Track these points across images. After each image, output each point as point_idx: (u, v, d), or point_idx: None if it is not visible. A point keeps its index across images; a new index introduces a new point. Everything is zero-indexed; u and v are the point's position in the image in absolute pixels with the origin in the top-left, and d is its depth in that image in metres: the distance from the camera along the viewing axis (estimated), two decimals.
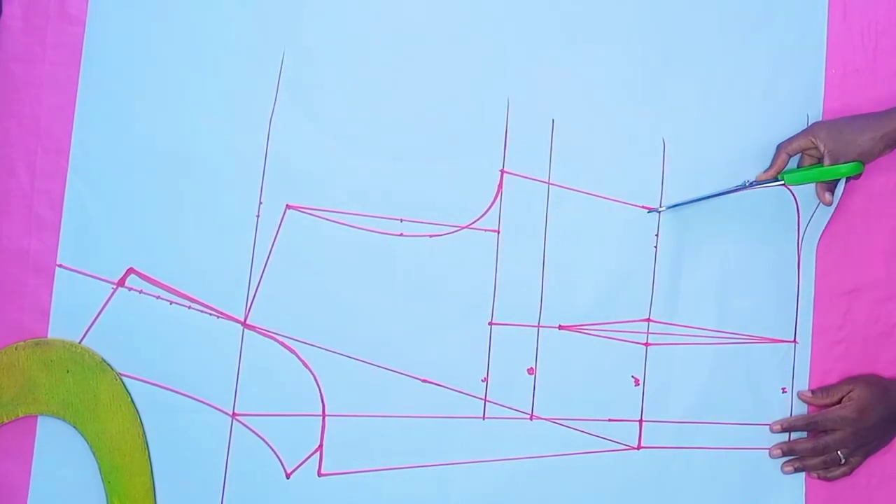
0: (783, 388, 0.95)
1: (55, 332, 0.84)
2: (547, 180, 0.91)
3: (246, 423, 0.86)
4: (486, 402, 0.89)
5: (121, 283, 0.84)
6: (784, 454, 0.93)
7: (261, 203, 0.86)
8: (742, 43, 0.95)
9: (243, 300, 0.86)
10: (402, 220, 0.89)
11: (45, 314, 0.84)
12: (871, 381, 0.93)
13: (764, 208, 0.95)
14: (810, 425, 0.93)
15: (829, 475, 0.93)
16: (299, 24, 0.88)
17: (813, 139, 0.90)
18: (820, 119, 0.95)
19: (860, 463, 0.93)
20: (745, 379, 0.94)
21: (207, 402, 0.85)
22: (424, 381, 0.88)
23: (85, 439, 0.83)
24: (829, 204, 0.91)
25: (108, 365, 0.84)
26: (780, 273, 0.95)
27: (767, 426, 0.94)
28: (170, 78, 0.86)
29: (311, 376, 0.87)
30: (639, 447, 0.92)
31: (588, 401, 0.91)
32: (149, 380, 0.85)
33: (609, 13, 0.93)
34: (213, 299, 0.86)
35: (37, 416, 0.83)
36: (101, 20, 0.85)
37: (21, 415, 0.83)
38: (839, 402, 0.93)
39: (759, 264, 0.94)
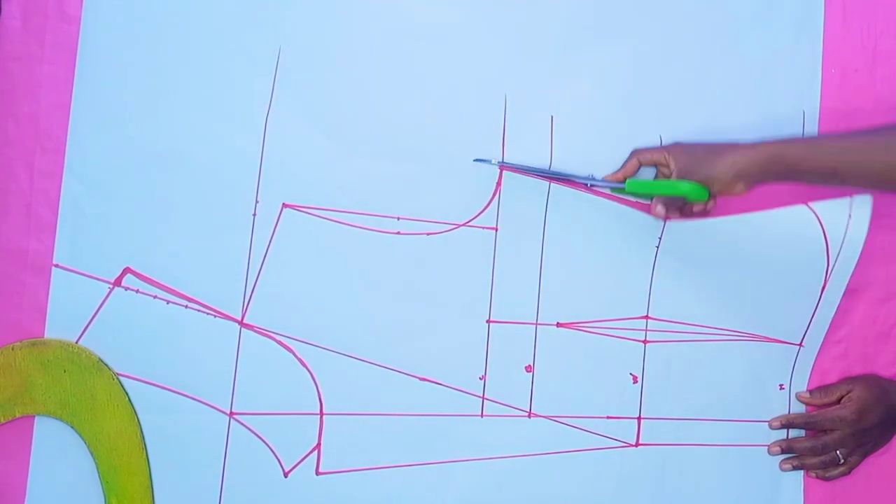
0: (780, 385, 0.94)
1: (52, 331, 0.84)
2: (546, 177, 0.91)
3: (243, 422, 0.85)
4: (484, 400, 0.89)
5: (117, 282, 0.84)
6: (783, 451, 0.93)
7: (257, 202, 0.86)
8: (738, 42, 0.95)
9: (240, 299, 0.86)
10: (399, 219, 0.88)
11: (42, 314, 0.84)
12: (871, 382, 0.93)
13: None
14: (809, 424, 0.93)
15: (827, 475, 0.93)
16: (295, 22, 0.88)
17: (667, 155, 0.87)
18: (817, 116, 0.95)
19: (858, 463, 0.93)
20: (743, 376, 0.93)
21: (205, 401, 0.85)
22: (422, 379, 0.88)
23: (82, 439, 0.83)
24: (661, 217, 0.88)
25: (105, 365, 0.84)
26: (797, 278, 0.91)
27: (766, 423, 0.93)
28: (165, 77, 0.86)
29: (309, 375, 0.87)
30: (637, 444, 0.91)
31: (586, 398, 0.91)
32: (146, 379, 0.84)
33: (607, 11, 0.93)
34: (209, 298, 0.85)
35: (34, 417, 0.83)
36: (96, 19, 0.85)
37: (18, 415, 0.83)
38: (838, 401, 0.93)
39: (772, 270, 0.91)
